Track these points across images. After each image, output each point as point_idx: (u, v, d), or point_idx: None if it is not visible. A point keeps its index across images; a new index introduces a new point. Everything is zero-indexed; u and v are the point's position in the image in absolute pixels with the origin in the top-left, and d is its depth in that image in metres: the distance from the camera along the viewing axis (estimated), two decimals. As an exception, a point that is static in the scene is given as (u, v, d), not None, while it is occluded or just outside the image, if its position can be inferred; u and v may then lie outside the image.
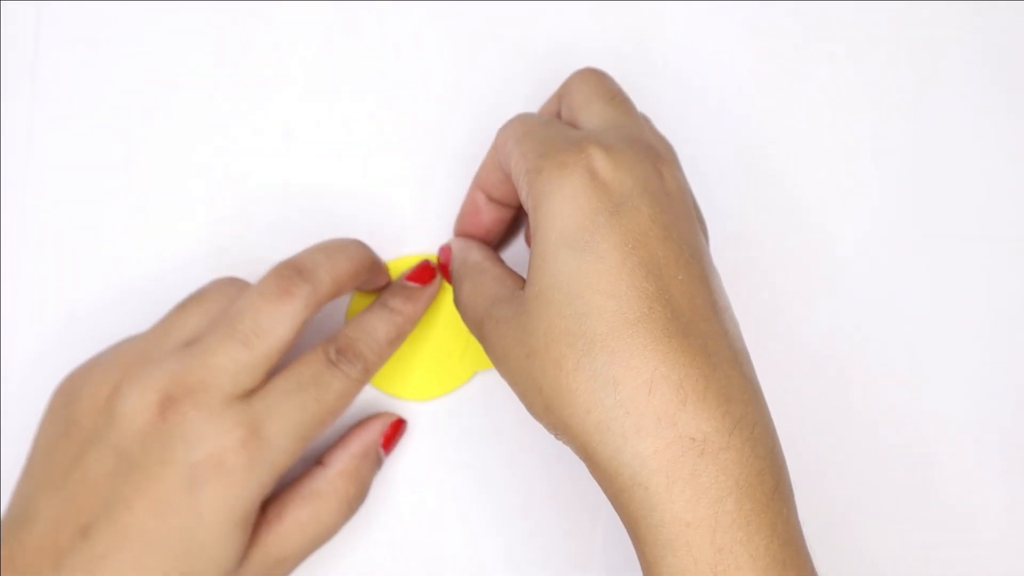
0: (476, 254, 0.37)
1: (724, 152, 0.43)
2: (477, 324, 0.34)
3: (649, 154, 0.32)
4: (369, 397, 0.40)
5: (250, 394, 0.33)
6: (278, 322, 0.33)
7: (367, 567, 0.41)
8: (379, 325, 0.37)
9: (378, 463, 0.38)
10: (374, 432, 0.38)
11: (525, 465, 0.41)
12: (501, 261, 0.37)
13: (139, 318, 0.40)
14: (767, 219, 0.43)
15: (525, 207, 0.32)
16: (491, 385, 0.41)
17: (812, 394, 0.43)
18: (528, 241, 0.41)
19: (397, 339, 0.37)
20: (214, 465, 0.32)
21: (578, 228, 0.30)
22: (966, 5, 0.44)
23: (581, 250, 0.29)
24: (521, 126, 0.34)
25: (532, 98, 0.42)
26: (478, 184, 0.38)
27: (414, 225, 0.42)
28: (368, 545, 0.41)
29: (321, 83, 0.42)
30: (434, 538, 0.41)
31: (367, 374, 0.36)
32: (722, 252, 0.43)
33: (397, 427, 0.39)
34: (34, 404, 0.40)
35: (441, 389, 0.41)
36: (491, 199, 0.38)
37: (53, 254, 0.41)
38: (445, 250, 0.40)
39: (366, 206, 0.42)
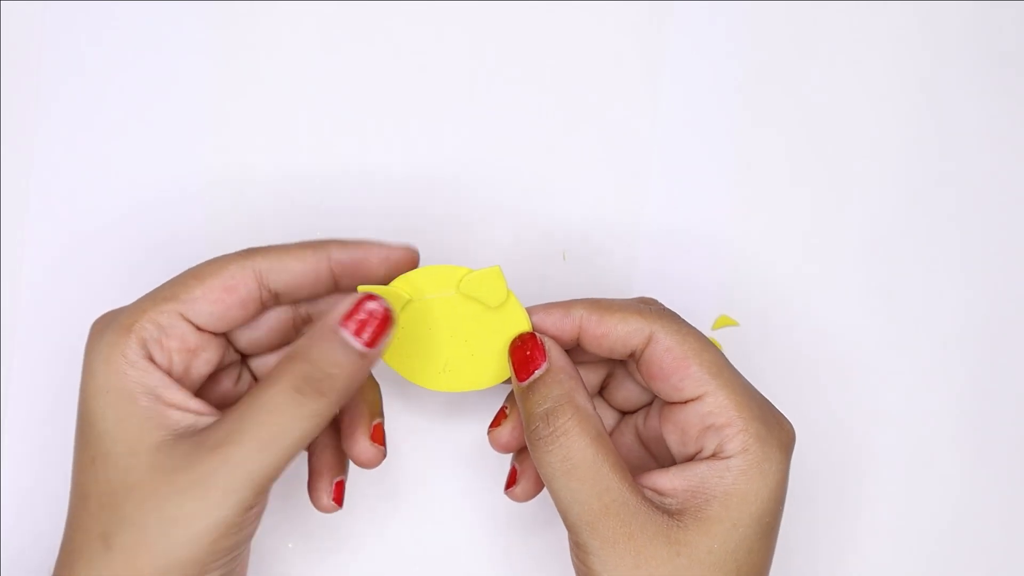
0: (584, 398, 0.33)
1: (724, 152, 0.43)
2: (585, 525, 0.32)
3: None
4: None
5: None
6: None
7: (367, 567, 0.41)
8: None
9: (345, 347, 0.31)
10: (335, 312, 0.32)
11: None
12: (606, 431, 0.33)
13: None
14: (766, 219, 0.43)
15: (701, 440, 0.33)
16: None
17: (812, 394, 0.43)
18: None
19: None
20: None
21: (771, 512, 0.32)
22: (966, 5, 0.44)
23: (765, 533, 0.32)
24: (726, 364, 0.33)
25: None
26: (592, 326, 0.34)
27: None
28: (369, 545, 0.41)
29: (324, 83, 0.43)
30: (433, 538, 0.41)
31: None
32: (722, 251, 0.43)
33: (360, 306, 0.32)
34: (35, 404, 0.40)
35: (461, 385, 0.36)
36: (589, 342, 0.35)
37: (55, 253, 0.42)
38: (535, 346, 0.34)
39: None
